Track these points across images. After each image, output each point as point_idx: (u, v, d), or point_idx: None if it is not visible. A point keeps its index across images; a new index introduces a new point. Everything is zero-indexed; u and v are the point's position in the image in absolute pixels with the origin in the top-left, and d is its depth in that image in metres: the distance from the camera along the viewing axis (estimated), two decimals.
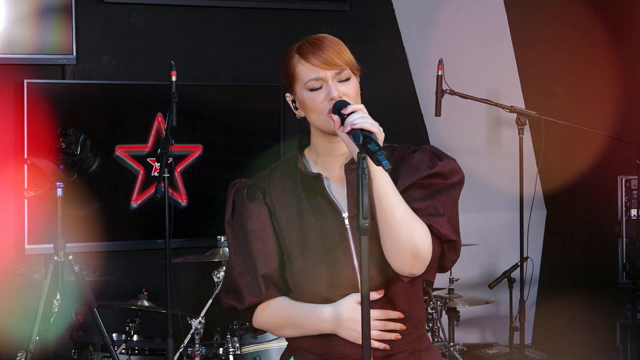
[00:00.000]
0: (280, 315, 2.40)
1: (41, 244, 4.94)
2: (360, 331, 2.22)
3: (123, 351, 4.42)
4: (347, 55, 2.34)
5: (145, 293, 4.65)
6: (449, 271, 5.13)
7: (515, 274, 5.09)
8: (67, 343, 4.60)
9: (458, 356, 4.68)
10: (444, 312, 4.99)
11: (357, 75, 2.37)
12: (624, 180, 5.35)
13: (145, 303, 4.62)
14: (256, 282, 2.38)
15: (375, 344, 2.30)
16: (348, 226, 2.34)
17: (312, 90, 2.32)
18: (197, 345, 4.35)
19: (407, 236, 2.24)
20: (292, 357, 2.43)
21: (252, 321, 2.45)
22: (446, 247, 2.34)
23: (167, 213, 4.23)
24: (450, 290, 5.06)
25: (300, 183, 2.40)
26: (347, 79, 2.33)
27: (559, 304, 6.02)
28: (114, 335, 4.58)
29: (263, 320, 2.43)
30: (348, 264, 2.31)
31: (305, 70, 2.33)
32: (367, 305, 2.14)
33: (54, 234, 4.23)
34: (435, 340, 4.73)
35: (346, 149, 2.35)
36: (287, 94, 2.42)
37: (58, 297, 4.25)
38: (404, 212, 2.25)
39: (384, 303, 2.33)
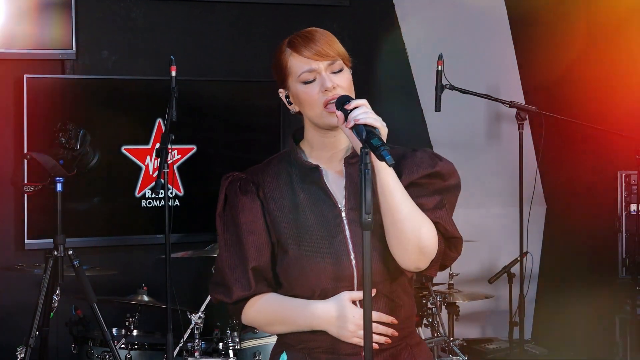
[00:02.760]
0: (271, 311, 2.37)
1: (41, 238, 4.94)
2: (352, 330, 2.26)
3: (123, 346, 4.42)
4: (338, 46, 2.34)
5: (145, 288, 4.65)
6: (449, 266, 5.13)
7: (515, 269, 5.09)
8: (67, 338, 4.61)
9: (458, 351, 4.68)
10: (443, 307, 4.99)
11: (350, 66, 2.36)
12: (623, 175, 5.35)
13: (145, 298, 4.62)
14: (246, 275, 2.34)
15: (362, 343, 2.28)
16: (345, 219, 2.32)
17: (306, 83, 2.32)
18: (196, 340, 4.34)
19: (414, 231, 2.25)
20: (285, 353, 2.39)
21: (240, 317, 2.41)
22: (448, 245, 2.35)
23: (166, 208, 4.23)
24: (450, 285, 5.05)
25: (298, 175, 2.37)
26: (340, 70, 2.33)
27: (559, 299, 6.02)
28: (114, 330, 4.57)
29: (253, 317, 2.40)
30: (345, 256, 2.30)
31: (298, 63, 2.33)
32: (369, 301, 2.12)
33: (53, 228, 4.23)
34: (435, 335, 4.73)
35: (341, 142, 2.36)
36: (280, 90, 2.42)
37: (58, 292, 4.26)
38: (409, 207, 2.25)
39: (381, 298, 2.32)
